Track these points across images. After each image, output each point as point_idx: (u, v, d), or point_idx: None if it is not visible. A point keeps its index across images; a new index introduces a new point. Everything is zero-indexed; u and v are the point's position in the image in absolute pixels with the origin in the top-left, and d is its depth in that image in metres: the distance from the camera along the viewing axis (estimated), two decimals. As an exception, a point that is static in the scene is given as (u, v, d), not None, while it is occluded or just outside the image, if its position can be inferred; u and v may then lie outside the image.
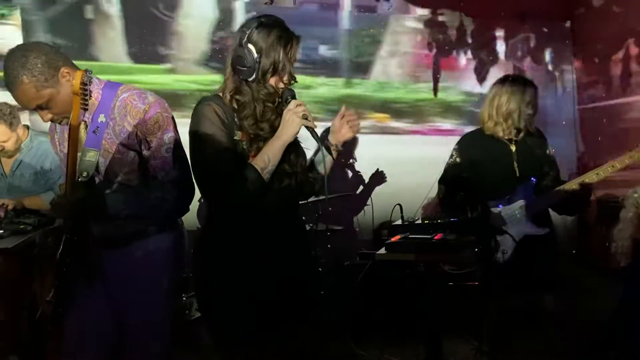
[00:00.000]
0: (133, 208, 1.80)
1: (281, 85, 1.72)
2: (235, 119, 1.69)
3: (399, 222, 2.71)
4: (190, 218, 2.05)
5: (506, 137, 2.59)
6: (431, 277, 2.64)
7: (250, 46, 1.65)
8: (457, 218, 2.47)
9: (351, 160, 4.37)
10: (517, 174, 2.55)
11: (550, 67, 4.68)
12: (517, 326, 2.73)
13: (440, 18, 4.51)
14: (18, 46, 1.77)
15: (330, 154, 1.81)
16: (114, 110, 1.82)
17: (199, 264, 1.77)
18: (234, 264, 1.69)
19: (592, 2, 4.49)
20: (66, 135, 1.86)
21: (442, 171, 2.73)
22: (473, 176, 2.57)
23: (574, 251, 4.45)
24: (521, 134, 2.58)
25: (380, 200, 4.00)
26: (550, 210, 2.65)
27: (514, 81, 2.59)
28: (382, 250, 2.46)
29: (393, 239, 2.49)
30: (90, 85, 1.77)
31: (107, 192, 1.81)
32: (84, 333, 1.86)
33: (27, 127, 2.96)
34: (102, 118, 1.81)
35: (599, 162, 2.58)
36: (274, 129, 1.71)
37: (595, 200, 3.06)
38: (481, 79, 4.57)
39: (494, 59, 4.60)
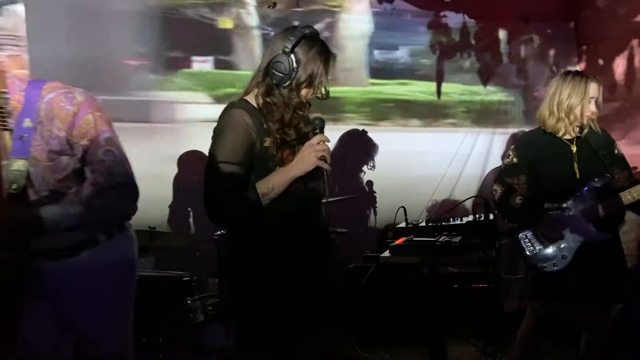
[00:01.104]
0: (74, 219, 1.66)
1: (312, 96, 1.75)
2: (265, 125, 1.70)
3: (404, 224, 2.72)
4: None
5: (567, 137, 2.44)
6: (435, 280, 2.64)
7: (292, 55, 1.67)
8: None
9: (370, 166, 4.27)
10: (578, 176, 2.38)
11: (554, 69, 4.65)
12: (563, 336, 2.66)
13: (444, 20, 4.51)
14: None
15: None
16: (39, 113, 1.65)
17: (231, 264, 1.78)
18: (263, 264, 1.70)
19: (596, 3, 4.47)
20: None
21: (499, 172, 2.60)
22: (530, 178, 2.44)
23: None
24: (584, 132, 2.44)
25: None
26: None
27: (576, 76, 2.43)
28: (387, 253, 2.46)
29: (397, 242, 2.50)
30: (7, 106, 1.62)
31: (43, 204, 1.66)
32: (37, 352, 1.77)
33: None
34: (27, 123, 1.64)
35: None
36: (300, 136, 1.71)
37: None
38: (485, 80, 4.56)
39: (498, 61, 4.59)
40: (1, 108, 1.61)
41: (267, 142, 1.68)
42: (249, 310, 1.72)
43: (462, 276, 3.52)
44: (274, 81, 1.69)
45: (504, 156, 2.62)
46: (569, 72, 2.48)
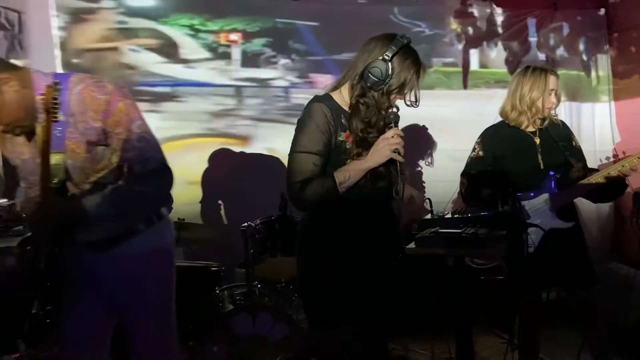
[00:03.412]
0: (114, 208, 1.68)
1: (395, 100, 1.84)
2: (343, 120, 1.80)
3: (429, 216, 2.72)
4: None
5: (530, 129, 2.57)
6: (461, 272, 2.64)
7: (389, 62, 1.76)
8: (485, 212, 2.43)
9: (427, 162, 4.18)
10: (542, 167, 2.51)
11: (584, 57, 4.55)
12: (546, 321, 2.70)
13: (470, 9, 4.44)
14: None
15: None
16: (70, 105, 1.65)
17: (303, 250, 1.90)
18: (331, 253, 1.81)
19: (627, -12, 4.36)
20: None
21: (465, 165, 2.69)
22: (496, 169, 2.53)
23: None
24: (545, 123, 2.55)
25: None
26: (575, 202, 2.63)
27: (535, 70, 2.56)
28: (412, 245, 2.47)
29: (423, 234, 2.49)
30: (59, 97, 1.61)
31: (83, 196, 1.69)
32: (83, 343, 1.83)
33: None
34: (60, 117, 1.63)
35: (636, 151, 2.52)
36: (379, 133, 1.80)
37: (633, 193, 2.95)
38: (512, 70, 4.49)
39: (526, 50, 4.50)
40: (54, 99, 1.60)
41: (342, 136, 1.78)
42: (318, 293, 1.83)
43: (489, 268, 3.50)
44: (368, 84, 1.77)
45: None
46: (528, 67, 2.61)
